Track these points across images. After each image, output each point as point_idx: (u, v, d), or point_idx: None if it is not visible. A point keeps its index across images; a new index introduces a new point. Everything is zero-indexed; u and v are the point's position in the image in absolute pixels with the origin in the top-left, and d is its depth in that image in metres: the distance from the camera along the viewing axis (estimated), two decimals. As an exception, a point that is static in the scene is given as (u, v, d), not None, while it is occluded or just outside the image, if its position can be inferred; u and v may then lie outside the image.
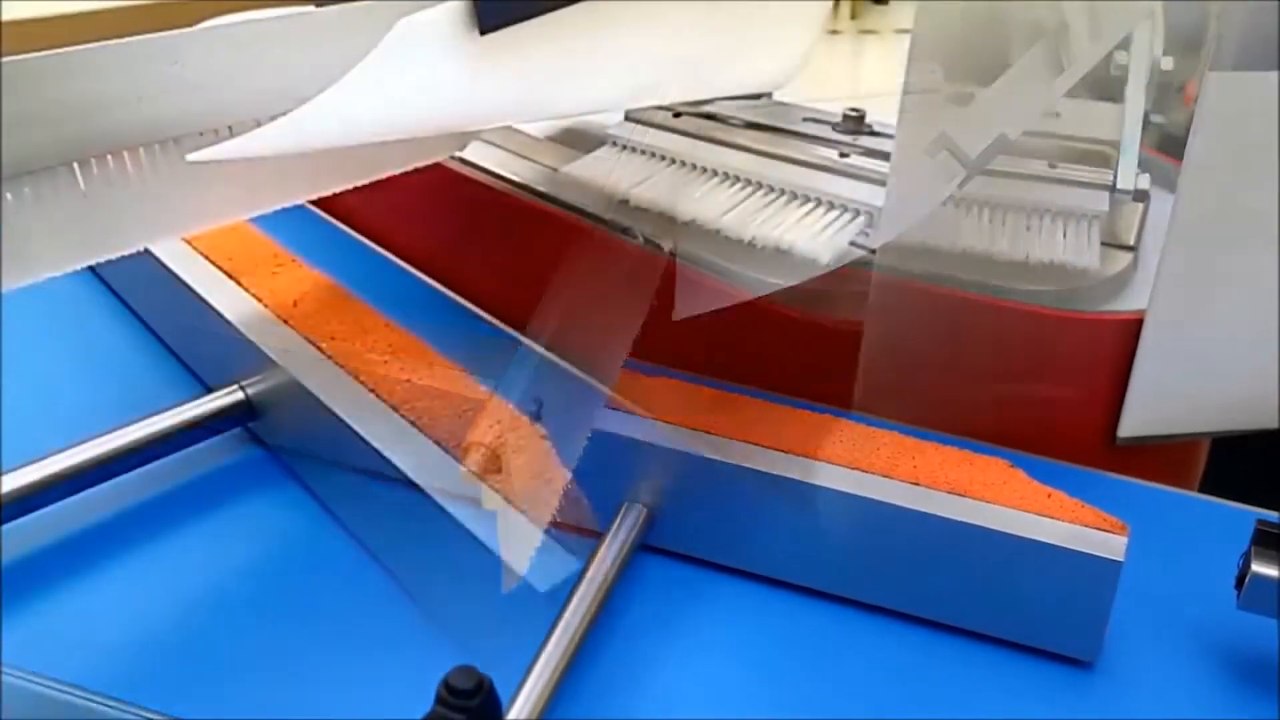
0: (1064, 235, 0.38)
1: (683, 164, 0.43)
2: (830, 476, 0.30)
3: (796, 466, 0.31)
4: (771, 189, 0.41)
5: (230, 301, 0.37)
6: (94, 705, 0.25)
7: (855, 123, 0.43)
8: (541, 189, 0.45)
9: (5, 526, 0.31)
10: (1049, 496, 0.30)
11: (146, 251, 0.32)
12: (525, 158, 0.48)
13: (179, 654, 0.29)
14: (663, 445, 0.31)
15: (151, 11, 0.76)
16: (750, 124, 0.44)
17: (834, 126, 0.43)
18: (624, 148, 0.45)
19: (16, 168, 0.25)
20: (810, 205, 0.40)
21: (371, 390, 0.32)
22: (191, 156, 0.25)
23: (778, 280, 0.38)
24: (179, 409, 0.35)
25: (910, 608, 0.31)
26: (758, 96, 0.45)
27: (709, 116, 0.44)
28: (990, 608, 0.30)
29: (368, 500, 0.32)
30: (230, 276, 0.39)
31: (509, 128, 0.50)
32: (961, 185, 0.36)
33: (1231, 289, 0.36)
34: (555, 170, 0.46)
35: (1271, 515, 0.30)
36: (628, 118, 0.46)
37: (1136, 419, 0.37)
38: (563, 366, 0.31)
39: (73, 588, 0.31)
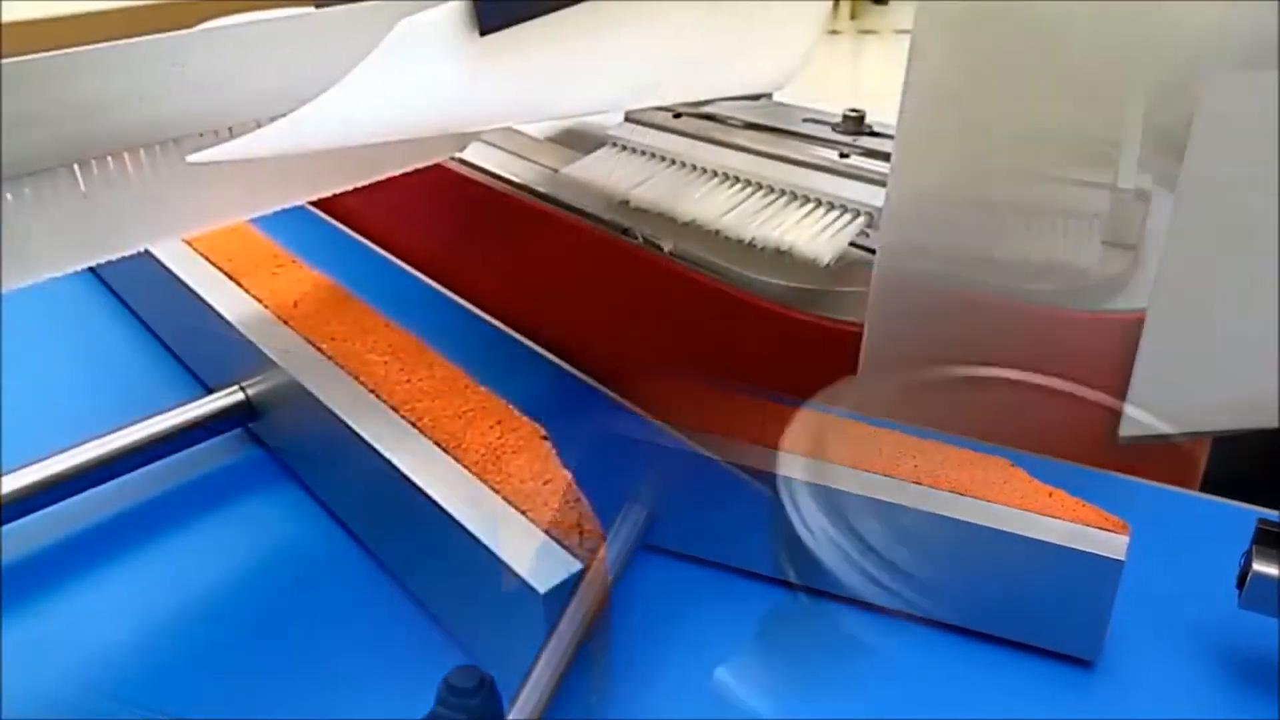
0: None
1: (683, 165, 0.43)
2: (831, 476, 0.30)
3: (797, 466, 0.31)
4: (771, 189, 0.41)
5: (230, 302, 0.37)
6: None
7: (855, 123, 0.43)
8: (541, 190, 0.45)
9: (5, 527, 0.31)
10: (1050, 495, 0.30)
11: (146, 252, 0.32)
12: (525, 158, 0.48)
13: (179, 654, 0.29)
14: (663, 445, 0.31)
15: (152, 12, 0.76)
16: (750, 125, 0.44)
17: (834, 127, 0.43)
18: (624, 148, 0.45)
19: (16, 168, 0.25)
20: (810, 206, 0.40)
21: (372, 391, 0.32)
22: (192, 157, 0.25)
23: (778, 280, 0.38)
24: (179, 410, 0.35)
25: (910, 607, 0.31)
26: (757, 97, 0.45)
27: (709, 117, 0.44)
28: (991, 607, 0.30)
29: (368, 501, 0.32)
30: (230, 277, 0.39)
31: (509, 128, 0.50)
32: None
33: (1231, 289, 0.36)
34: (555, 171, 0.46)
35: (1272, 515, 0.30)
36: (628, 118, 0.46)
37: (1137, 418, 0.37)
38: (563, 367, 0.31)
39: (73, 588, 0.31)
